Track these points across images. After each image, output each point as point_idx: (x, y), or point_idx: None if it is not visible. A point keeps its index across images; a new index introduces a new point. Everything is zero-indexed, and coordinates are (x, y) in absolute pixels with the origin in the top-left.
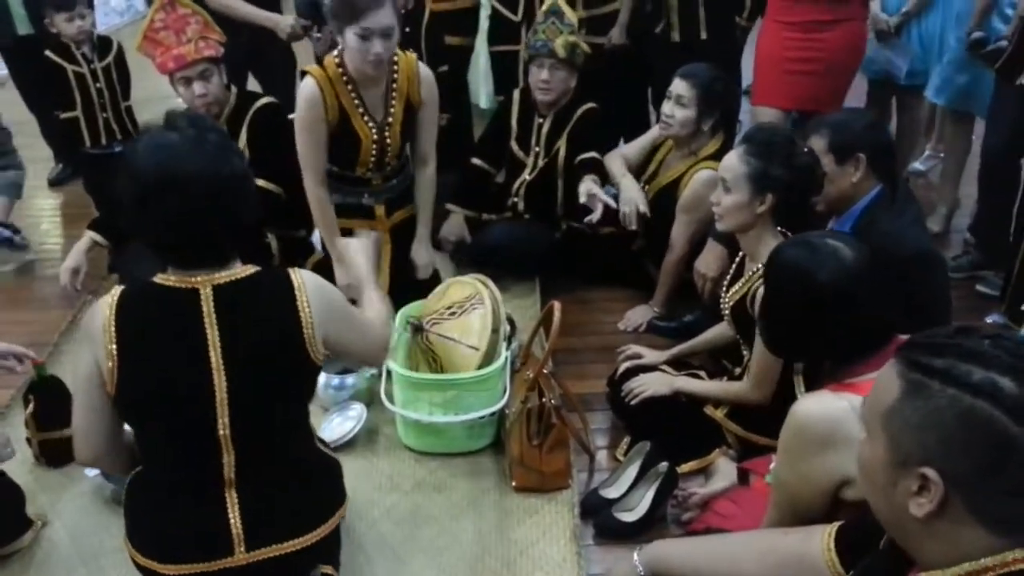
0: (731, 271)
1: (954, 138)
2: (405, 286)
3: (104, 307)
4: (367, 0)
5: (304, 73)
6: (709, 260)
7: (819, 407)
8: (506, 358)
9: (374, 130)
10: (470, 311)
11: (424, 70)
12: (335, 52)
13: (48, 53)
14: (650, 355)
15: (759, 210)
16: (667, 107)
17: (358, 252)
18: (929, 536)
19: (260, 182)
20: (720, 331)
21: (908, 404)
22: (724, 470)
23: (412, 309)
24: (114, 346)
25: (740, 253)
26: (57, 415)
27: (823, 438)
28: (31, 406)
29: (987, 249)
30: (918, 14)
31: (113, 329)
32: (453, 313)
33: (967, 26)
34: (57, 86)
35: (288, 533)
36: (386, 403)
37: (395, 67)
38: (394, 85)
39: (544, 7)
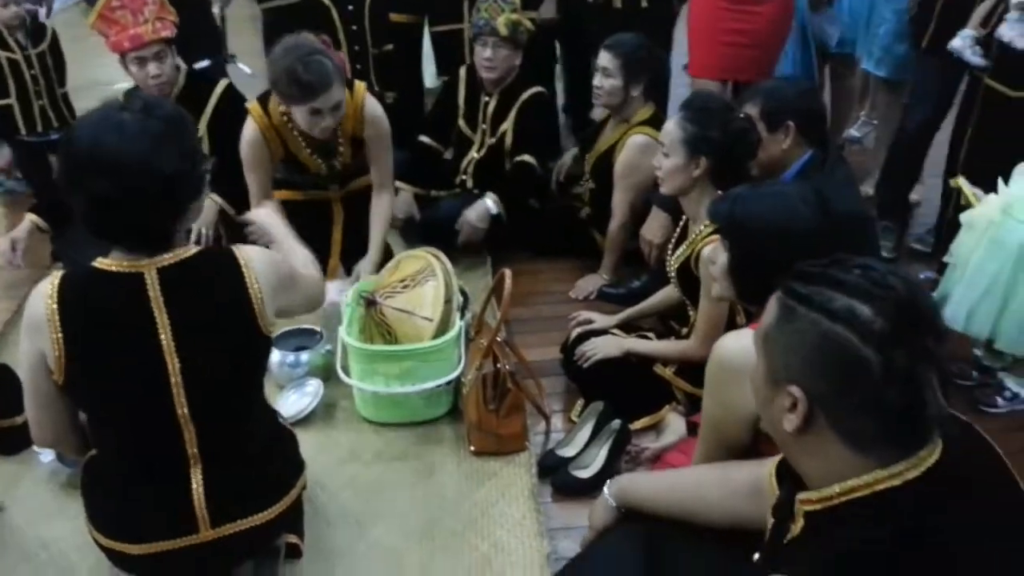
0: (676, 234)
1: (887, 106)
2: (358, 255)
3: (44, 296)
4: (317, 84)
5: (246, 109)
6: (654, 227)
7: (737, 342)
8: (460, 327)
9: (323, 163)
10: (422, 283)
11: (371, 107)
12: None
13: None
14: (600, 320)
15: (695, 173)
16: (596, 79)
17: (269, 215)
18: (802, 451)
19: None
20: (667, 294)
21: (778, 327)
22: (674, 425)
23: (365, 284)
24: (59, 335)
25: (684, 217)
26: (8, 404)
27: (740, 369)
28: None
29: (886, 209)
30: None
31: (57, 318)
32: (406, 286)
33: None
34: None
35: (253, 507)
36: (343, 376)
37: None
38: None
39: None
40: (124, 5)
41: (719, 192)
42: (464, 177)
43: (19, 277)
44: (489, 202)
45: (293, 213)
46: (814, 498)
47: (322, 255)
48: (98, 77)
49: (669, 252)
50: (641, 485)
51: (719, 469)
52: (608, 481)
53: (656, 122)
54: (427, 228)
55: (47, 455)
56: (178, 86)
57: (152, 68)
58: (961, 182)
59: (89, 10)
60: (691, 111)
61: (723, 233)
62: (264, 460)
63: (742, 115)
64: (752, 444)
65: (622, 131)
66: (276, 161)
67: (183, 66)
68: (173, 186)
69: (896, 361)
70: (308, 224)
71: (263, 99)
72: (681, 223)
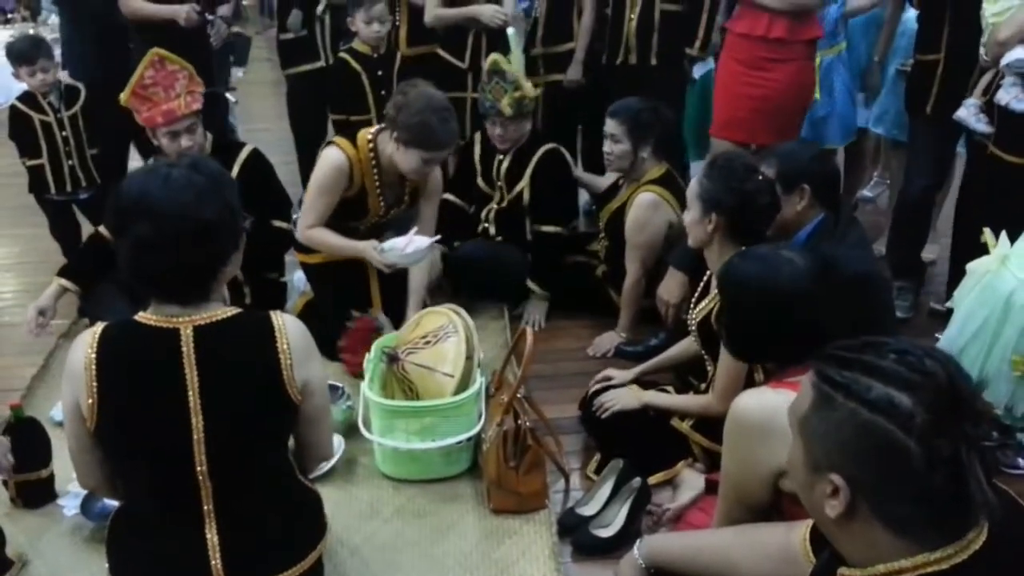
0: (699, 288)
1: (897, 166)
2: (398, 306)
3: (85, 345)
4: (446, 140)
5: (331, 142)
6: (671, 286)
7: (756, 401)
8: (481, 384)
9: (382, 209)
10: (444, 339)
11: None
12: (370, 133)
13: (15, 102)
14: (620, 376)
15: (709, 228)
16: (606, 146)
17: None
18: (843, 534)
19: (276, 223)
20: (683, 348)
21: (816, 414)
22: (690, 481)
23: (387, 339)
24: (95, 383)
25: (707, 272)
26: (34, 457)
27: (759, 429)
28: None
29: (900, 269)
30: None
31: (94, 367)
32: (428, 342)
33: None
34: (23, 134)
35: (269, 568)
36: (364, 431)
37: None
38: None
39: (486, 67)
40: (157, 82)
41: (741, 248)
42: (486, 225)
43: (51, 330)
44: (533, 295)
45: (331, 271)
46: (857, 575)
47: (363, 310)
48: None
49: (691, 306)
50: (671, 545)
51: (750, 531)
52: (638, 541)
53: (667, 180)
54: (454, 267)
55: (70, 509)
56: (205, 152)
57: (184, 141)
58: (987, 235)
59: None
60: (712, 168)
61: (718, 286)
62: (283, 522)
63: (761, 177)
64: (773, 502)
65: (633, 189)
66: (349, 196)
67: (209, 134)
68: (211, 233)
69: (938, 450)
70: (347, 282)
71: (349, 137)
72: (705, 277)
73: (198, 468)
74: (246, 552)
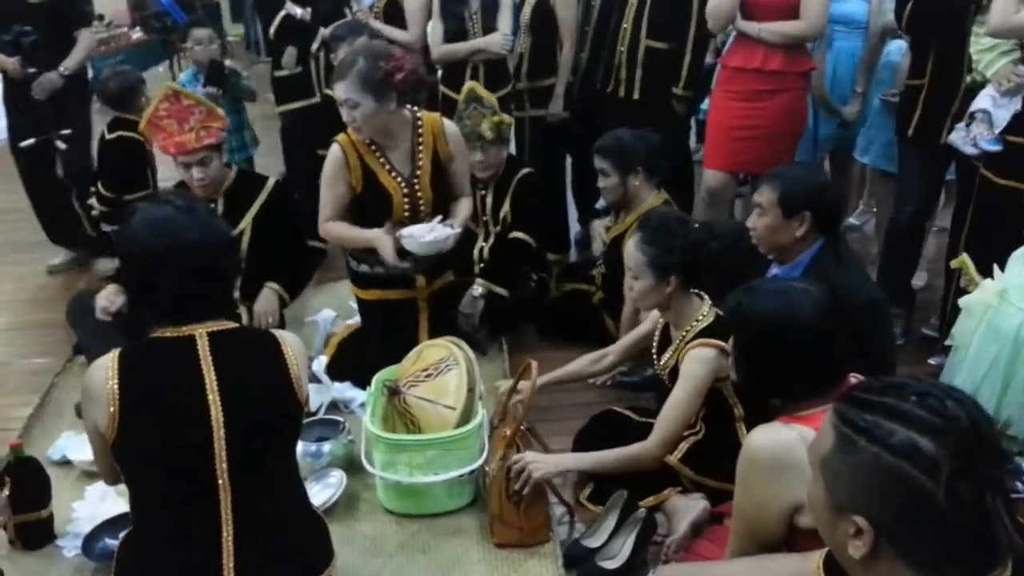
0: (657, 339)
1: (883, 195)
2: None
3: (105, 362)
4: (335, 73)
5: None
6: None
7: (770, 437)
8: (483, 416)
9: (403, 184)
10: (445, 372)
11: (449, 126)
12: None
13: (124, 133)
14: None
15: (668, 291)
16: (600, 181)
17: None
18: (867, 573)
19: (311, 242)
20: (583, 363)
21: (838, 456)
22: (683, 508)
23: (388, 373)
24: (116, 390)
25: (663, 321)
26: (33, 498)
27: (773, 465)
28: (7, 488)
29: (891, 297)
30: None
31: (116, 379)
32: (429, 375)
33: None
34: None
35: None
36: (366, 466)
37: (419, 124)
38: (420, 140)
39: (462, 95)
40: (171, 115)
41: (695, 292)
42: (482, 264)
43: (42, 368)
44: (471, 289)
45: (380, 312)
46: None
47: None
48: None
49: (654, 355)
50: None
51: (765, 561)
52: (651, 571)
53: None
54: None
55: (70, 549)
56: (229, 180)
57: (196, 172)
58: (965, 259)
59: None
60: (648, 231)
61: (728, 323)
62: (295, 537)
63: (696, 224)
64: (787, 538)
65: (633, 219)
66: (358, 184)
67: (235, 167)
68: (231, 246)
69: (962, 494)
70: (394, 323)
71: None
72: (660, 327)
73: (219, 466)
74: (260, 566)
